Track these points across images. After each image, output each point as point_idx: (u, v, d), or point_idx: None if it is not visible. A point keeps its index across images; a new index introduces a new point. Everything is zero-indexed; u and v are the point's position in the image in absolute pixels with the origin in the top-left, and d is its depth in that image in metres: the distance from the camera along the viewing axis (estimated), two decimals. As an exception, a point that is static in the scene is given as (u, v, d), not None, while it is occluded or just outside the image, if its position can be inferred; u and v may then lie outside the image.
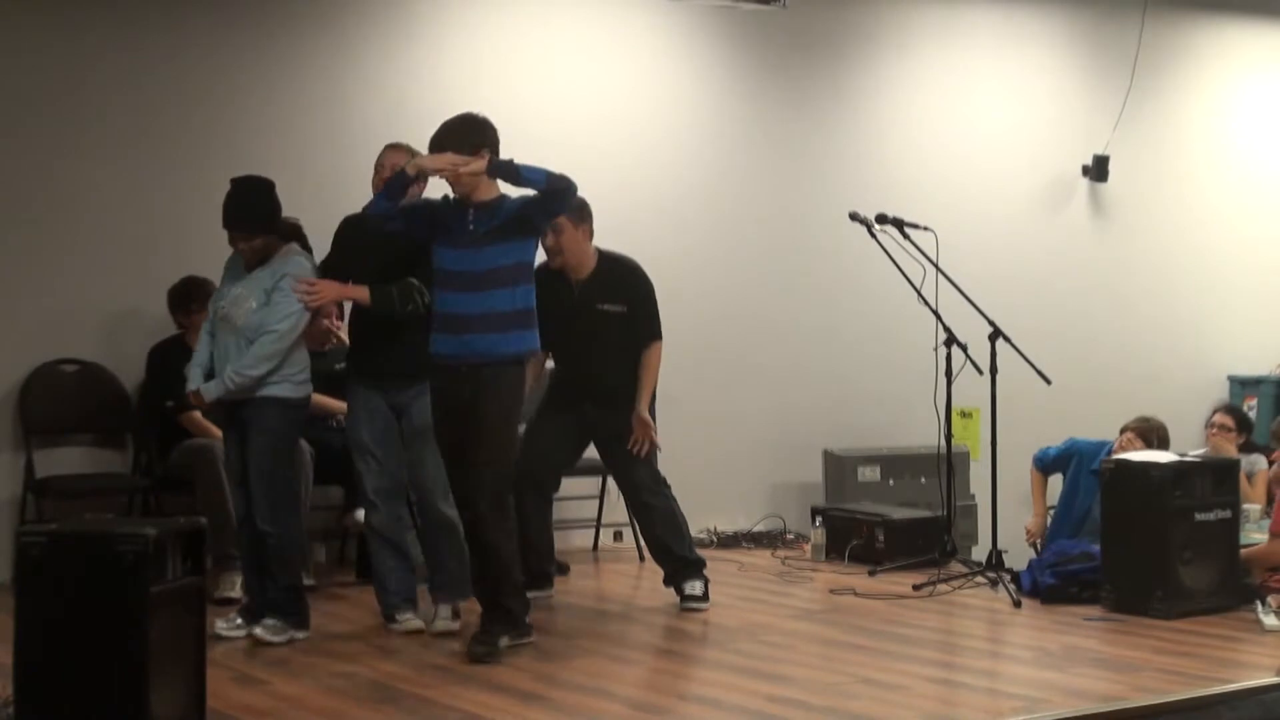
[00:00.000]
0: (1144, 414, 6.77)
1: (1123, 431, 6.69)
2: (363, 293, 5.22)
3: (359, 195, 7.01)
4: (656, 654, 5.28)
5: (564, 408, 5.93)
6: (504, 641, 4.86)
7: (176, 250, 6.38)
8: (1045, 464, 6.89)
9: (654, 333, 5.87)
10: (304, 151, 6.95)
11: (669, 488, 5.94)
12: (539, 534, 5.96)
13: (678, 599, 5.83)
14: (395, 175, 4.92)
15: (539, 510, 5.96)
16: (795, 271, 8.13)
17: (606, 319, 5.81)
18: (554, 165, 6.98)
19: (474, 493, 4.86)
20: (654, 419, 5.85)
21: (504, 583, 4.93)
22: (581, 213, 5.79)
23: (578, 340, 5.84)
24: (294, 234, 5.45)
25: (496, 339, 4.85)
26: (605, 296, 5.83)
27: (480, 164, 4.83)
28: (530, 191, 4.94)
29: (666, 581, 5.93)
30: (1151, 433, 6.60)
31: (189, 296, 6.18)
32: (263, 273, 5.12)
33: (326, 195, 6.97)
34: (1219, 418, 7.45)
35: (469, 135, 4.91)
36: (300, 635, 5.11)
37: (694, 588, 5.82)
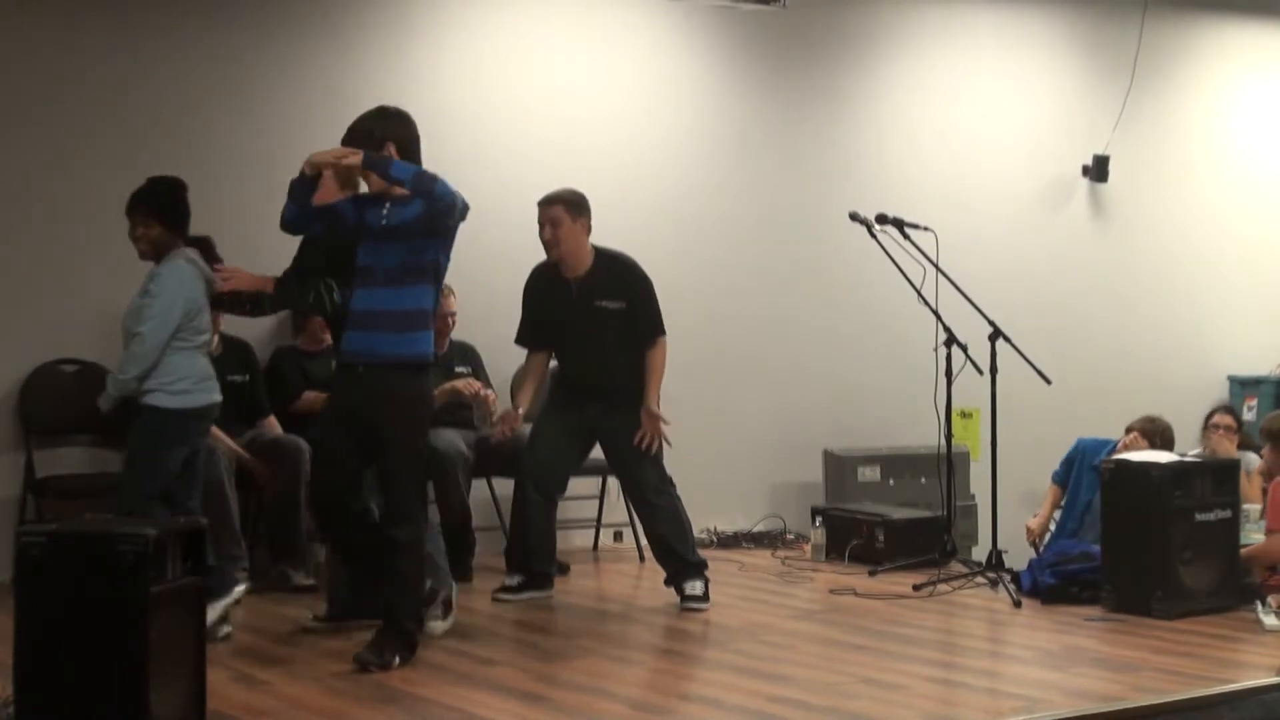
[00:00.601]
0: (1149, 414, 6.76)
1: (1128, 431, 6.69)
2: (269, 284, 5.17)
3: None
4: (657, 654, 5.28)
5: (567, 408, 5.93)
6: (395, 661, 4.65)
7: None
8: (1060, 476, 6.86)
9: (657, 329, 5.86)
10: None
11: (674, 487, 5.93)
12: (541, 536, 5.95)
13: (678, 599, 5.83)
14: (296, 178, 4.78)
15: (543, 512, 5.94)
16: (795, 272, 8.12)
17: (606, 316, 5.81)
18: (553, 165, 7.03)
19: (394, 516, 4.68)
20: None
21: (408, 607, 4.74)
22: (579, 207, 5.80)
23: (578, 339, 5.85)
24: (201, 244, 5.39)
25: (390, 339, 4.68)
26: (604, 293, 5.82)
27: (356, 157, 4.69)
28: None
29: (668, 582, 5.93)
30: (1156, 434, 6.58)
31: None
32: (148, 275, 5.10)
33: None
34: (1221, 418, 7.42)
35: (374, 127, 4.79)
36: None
37: (694, 588, 5.82)
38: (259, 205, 6.66)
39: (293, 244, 6.49)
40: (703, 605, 5.76)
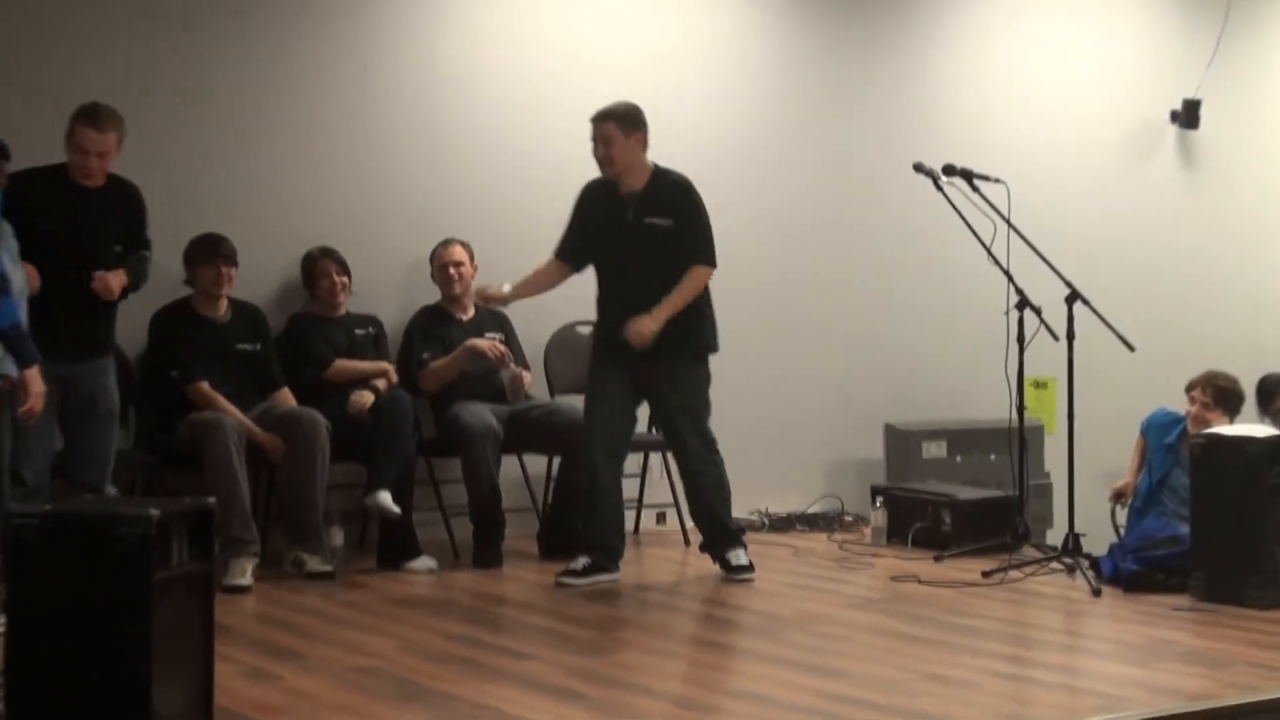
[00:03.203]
0: (1213, 370, 6.76)
1: (1189, 389, 6.72)
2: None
3: (384, 158, 7.00)
4: (702, 646, 5.28)
5: (616, 364, 6.01)
6: None
7: (186, 206, 6.39)
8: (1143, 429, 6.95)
9: (701, 254, 5.98)
10: (319, 112, 6.92)
11: (718, 452, 6.07)
12: (612, 507, 6.03)
13: (720, 570, 6.02)
14: None
15: (613, 480, 6.04)
16: (854, 229, 8.11)
17: (655, 235, 5.93)
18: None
19: None
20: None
21: None
22: (632, 121, 5.95)
23: (626, 258, 5.97)
24: None
25: None
26: (654, 210, 5.96)
27: None
28: None
29: (705, 548, 6.12)
30: (1227, 395, 6.62)
31: (202, 252, 6.21)
32: None
33: (341, 158, 6.96)
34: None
35: None
36: None
37: (740, 557, 6.04)
38: (258, 188, 6.71)
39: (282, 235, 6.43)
40: (751, 575, 6.00)
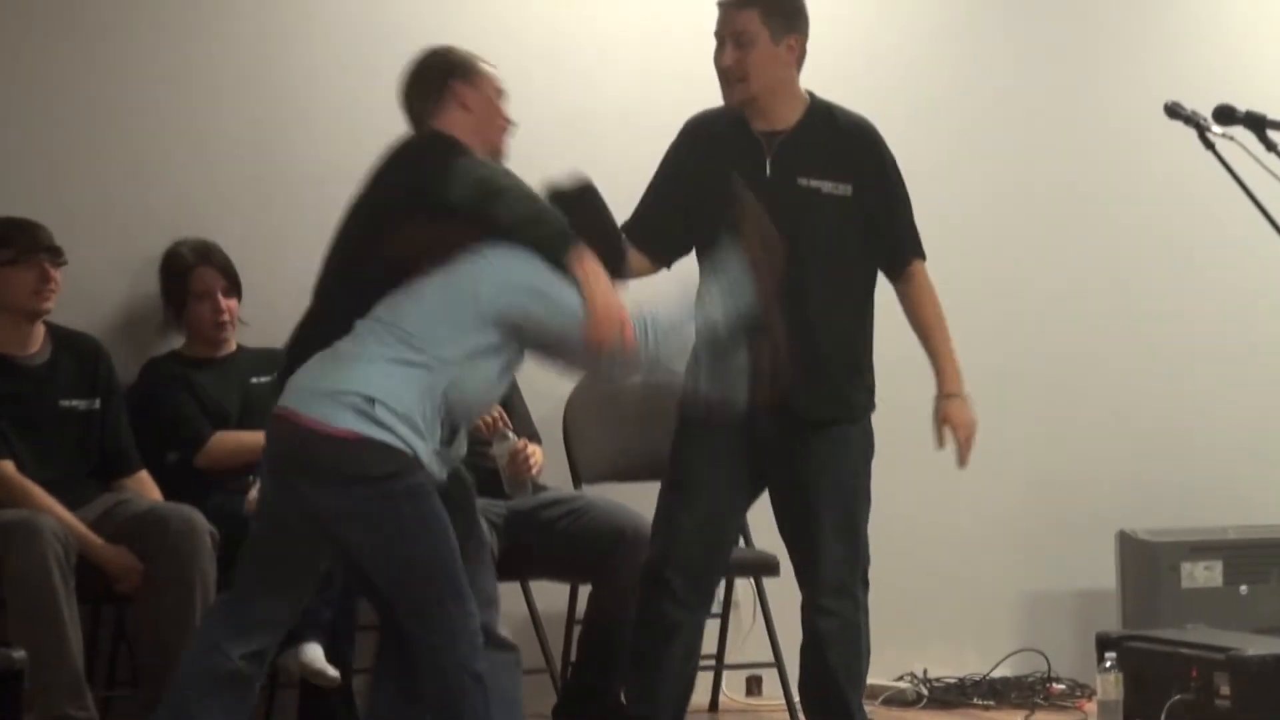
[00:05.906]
0: None
1: None
2: None
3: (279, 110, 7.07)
4: None
5: (719, 431, 5.52)
6: None
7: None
8: None
9: (916, 243, 5.69)
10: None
11: (867, 587, 5.72)
12: (679, 676, 5.75)
13: None
14: None
15: (692, 630, 5.74)
16: (1066, 212, 8.16)
17: (817, 205, 5.50)
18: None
19: None
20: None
21: None
22: (790, 13, 5.56)
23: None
24: None
25: None
26: (813, 164, 5.51)
27: None
28: None
29: None
30: None
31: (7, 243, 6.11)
32: None
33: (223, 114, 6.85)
34: None
35: None
36: None
37: None
38: (87, 154, 6.74)
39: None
40: None
